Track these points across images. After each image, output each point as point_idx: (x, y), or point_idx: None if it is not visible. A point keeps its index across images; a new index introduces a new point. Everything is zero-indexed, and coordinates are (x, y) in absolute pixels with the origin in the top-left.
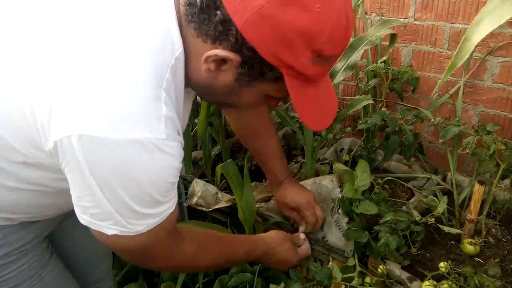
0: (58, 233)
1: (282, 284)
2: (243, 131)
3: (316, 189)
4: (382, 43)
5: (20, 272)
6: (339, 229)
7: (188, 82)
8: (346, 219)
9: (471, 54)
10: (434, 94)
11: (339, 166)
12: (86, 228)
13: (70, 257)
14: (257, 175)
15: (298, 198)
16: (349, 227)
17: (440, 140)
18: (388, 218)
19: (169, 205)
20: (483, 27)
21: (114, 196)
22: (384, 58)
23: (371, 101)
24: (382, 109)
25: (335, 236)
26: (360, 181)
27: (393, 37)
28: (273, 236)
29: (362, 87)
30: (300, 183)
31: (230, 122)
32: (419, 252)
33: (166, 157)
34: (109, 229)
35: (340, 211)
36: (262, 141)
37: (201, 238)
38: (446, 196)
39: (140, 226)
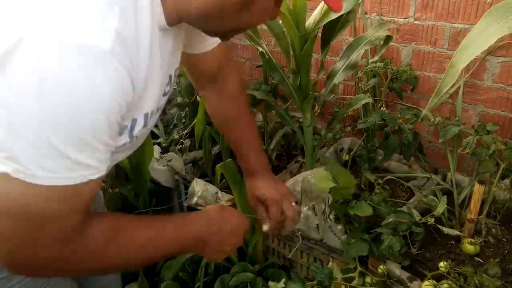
0: None
1: (282, 284)
2: (221, 118)
3: (307, 187)
4: (382, 43)
5: (24, 284)
6: (334, 234)
7: (180, 17)
8: (339, 226)
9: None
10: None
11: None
12: None
13: None
14: None
15: (268, 191)
16: (347, 237)
17: (440, 140)
18: (390, 220)
19: (94, 165)
20: (468, 54)
21: (32, 113)
22: (376, 58)
23: (370, 100)
24: (381, 109)
25: (332, 240)
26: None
27: (387, 38)
28: (209, 215)
29: (362, 87)
30: (291, 178)
31: (208, 108)
32: (419, 252)
33: (109, 77)
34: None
35: (331, 216)
36: (239, 128)
37: (113, 221)
38: (446, 196)
39: (42, 171)
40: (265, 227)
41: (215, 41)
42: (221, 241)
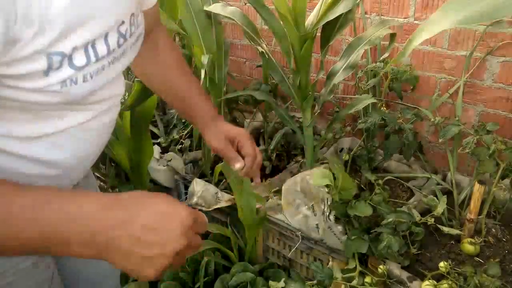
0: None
1: (282, 283)
2: (160, 73)
3: (306, 187)
4: (382, 42)
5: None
6: (334, 234)
7: None
8: (339, 227)
9: (471, 54)
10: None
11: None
12: None
13: (75, 276)
14: None
15: (235, 129)
16: (347, 236)
17: (440, 140)
18: (390, 220)
19: None
20: (420, 37)
21: None
22: (386, 55)
23: (374, 100)
24: (381, 109)
25: (332, 240)
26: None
27: (392, 37)
28: (119, 196)
29: (362, 87)
30: (290, 179)
31: (140, 70)
32: (419, 252)
33: None
34: None
35: (331, 217)
36: (184, 78)
37: None
38: (446, 196)
39: None
40: (238, 165)
41: None
42: (136, 239)
